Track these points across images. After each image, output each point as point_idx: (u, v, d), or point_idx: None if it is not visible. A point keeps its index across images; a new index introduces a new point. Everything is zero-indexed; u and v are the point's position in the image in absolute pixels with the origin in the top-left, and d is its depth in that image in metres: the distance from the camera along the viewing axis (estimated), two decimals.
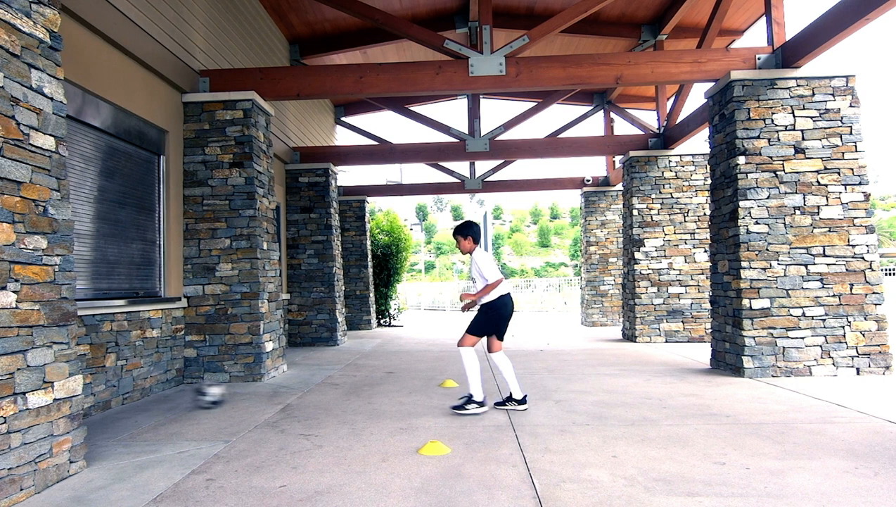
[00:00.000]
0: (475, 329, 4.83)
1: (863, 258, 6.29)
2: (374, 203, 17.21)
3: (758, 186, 6.43)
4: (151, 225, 6.20)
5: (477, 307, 4.96)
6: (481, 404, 4.76)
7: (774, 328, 6.26)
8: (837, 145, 6.40)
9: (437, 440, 3.87)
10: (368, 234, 14.06)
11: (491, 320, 4.84)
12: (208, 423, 4.63)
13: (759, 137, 6.48)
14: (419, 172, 32.55)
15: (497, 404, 5.01)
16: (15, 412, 3.00)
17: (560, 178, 14.29)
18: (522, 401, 4.89)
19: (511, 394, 4.92)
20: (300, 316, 10.81)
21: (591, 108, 13.09)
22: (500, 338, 4.93)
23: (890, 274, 36.27)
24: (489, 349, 4.95)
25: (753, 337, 6.26)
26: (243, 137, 6.81)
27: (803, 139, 6.44)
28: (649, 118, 12.91)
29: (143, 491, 3.11)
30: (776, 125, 6.47)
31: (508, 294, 4.90)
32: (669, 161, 10.04)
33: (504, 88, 7.09)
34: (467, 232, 4.96)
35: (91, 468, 3.50)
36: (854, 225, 6.33)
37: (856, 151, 6.39)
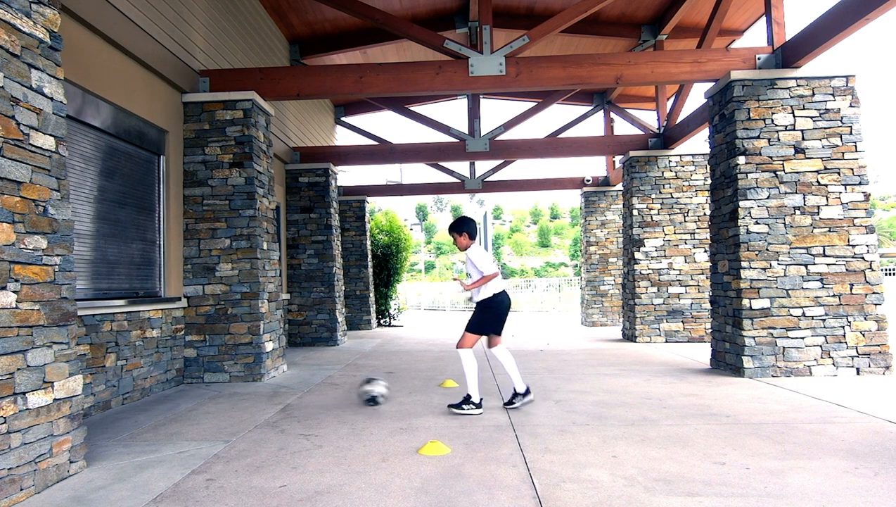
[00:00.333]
0: (473, 328, 4.84)
1: (863, 258, 6.29)
2: (374, 203, 17.22)
3: (758, 186, 6.43)
4: (151, 225, 6.20)
5: (474, 305, 4.96)
6: (478, 405, 4.77)
7: (774, 328, 6.26)
8: (837, 145, 6.40)
9: (437, 440, 3.87)
10: (368, 234, 14.06)
11: (489, 318, 4.85)
12: (208, 423, 4.63)
13: (759, 137, 6.48)
14: (419, 172, 32.56)
15: (506, 404, 4.99)
16: (15, 412, 3.00)
17: (560, 178, 14.29)
18: (526, 393, 4.91)
19: (515, 389, 4.94)
20: (300, 316, 10.81)
21: (591, 108, 13.09)
22: (499, 334, 4.94)
23: (890, 274, 36.30)
24: (489, 345, 4.96)
25: (753, 337, 6.26)
26: (243, 137, 6.81)
27: (803, 139, 6.44)
28: (649, 118, 12.92)
29: (143, 491, 3.11)
30: (776, 125, 6.47)
31: (504, 291, 4.91)
32: (669, 161, 10.04)
33: (504, 87, 7.09)
34: (463, 228, 4.95)
35: (91, 468, 3.50)
36: (854, 225, 6.33)
37: (856, 151, 6.39)
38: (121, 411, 5.10)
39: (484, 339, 4.97)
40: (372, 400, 5.12)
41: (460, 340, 4.85)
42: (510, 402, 4.96)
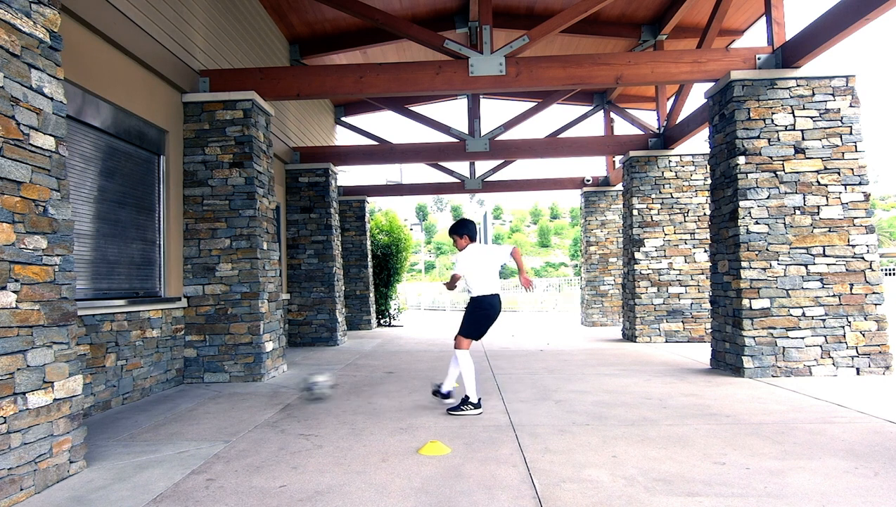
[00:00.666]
0: (466, 330, 4.90)
1: (863, 258, 6.29)
2: (374, 203, 17.22)
3: (758, 186, 6.43)
4: (151, 225, 6.20)
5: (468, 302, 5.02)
6: (477, 405, 4.78)
7: (774, 328, 6.26)
8: (837, 145, 6.40)
9: (437, 440, 3.87)
10: (368, 234, 14.06)
11: (478, 318, 4.90)
12: (208, 423, 4.63)
13: (759, 137, 6.48)
14: (419, 172, 32.49)
15: (434, 392, 5.25)
16: (15, 412, 3.00)
17: (560, 178, 14.29)
18: (447, 396, 5.07)
19: (441, 384, 5.16)
20: (300, 316, 10.81)
21: (591, 108, 13.09)
22: (478, 339, 5.00)
23: (890, 274, 36.28)
24: (456, 345, 4.96)
25: (753, 337, 6.26)
26: (243, 137, 6.81)
27: (803, 139, 6.44)
28: (649, 118, 12.92)
29: (143, 491, 3.11)
30: (776, 125, 6.47)
31: (497, 295, 4.94)
32: (669, 161, 10.04)
33: (504, 88, 7.09)
34: (462, 231, 5.02)
35: (91, 468, 3.50)
36: (854, 225, 6.33)
37: (856, 151, 6.39)
38: (121, 411, 5.10)
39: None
40: (313, 395, 5.36)
41: (456, 342, 4.92)
42: (437, 392, 5.19)
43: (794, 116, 6.46)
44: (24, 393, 3.06)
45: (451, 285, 4.92)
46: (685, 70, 6.93)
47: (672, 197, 10.00)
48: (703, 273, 9.85)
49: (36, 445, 3.12)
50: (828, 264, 6.30)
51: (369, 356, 8.85)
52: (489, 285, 4.90)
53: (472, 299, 4.96)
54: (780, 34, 6.61)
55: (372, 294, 13.94)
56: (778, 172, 6.43)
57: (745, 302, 6.31)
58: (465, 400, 4.79)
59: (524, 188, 14.49)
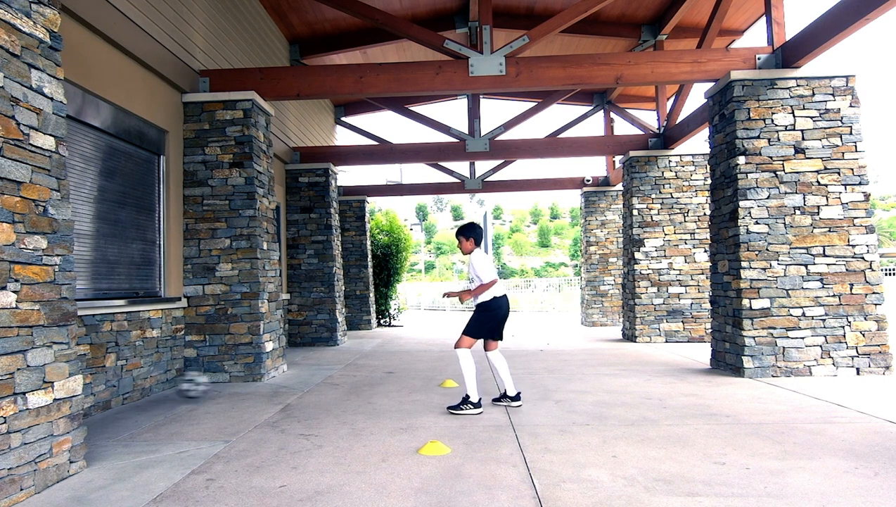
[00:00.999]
0: (471, 331, 4.90)
1: (863, 258, 6.29)
2: (374, 203, 17.22)
3: (758, 186, 6.43)
4: (151, 225, 6.20)
5: (474, 307, 5.02)
6: (477, 404, 4.80)
7: (774, 328, 6.26)
8: (837, 145, 6.41)
9: (437, 440, 3.87)
10: (368, 234, 14.06)
11: (486, 320, 4.91)
12: (208, 423, 4.63)
13: (759, 137, 6.48)
14: (419, 172, 32.52)
15: (494, 400, 5.18)
16: (15, 412, 3.00)
17: (560, 178, 14.29)
18: (516, 398, 5.02)
19: (506, 391, 5.06)
20: (300, 316, 10.81)
21: (591, 108, 13.09)
22: (498, 338, 5.02)
23: (890, 274, 36.29)
24: (486, 348, 5.06)
25: (753, 337, 6.26)
26: (243, 137, 6.81)
27: (803, 139, 6.44)
28: (649, 118, 12.92)
29: (143, 491, 3.11)
30: (776, 125, 6.47)
31: (504, 296, 4.98)
32: (669, 161, 10.04)
33: (504, 88, 7.10)
34: (470, 234, 5.06)
35: (91, 468, 3.50)
36: (854, 225, 6.33)
37: (856, 151, 6.39)
38: (121, 411, 5.10)
39: (480, 341, 5.05)
40: (189, 395, 5.46)
41: (458, 341, 4.91)
42: (498, 399, 5.14)
43: (794, 116, 6.46)
44: (24, 393, 3.06)
45: (473, 294, 4.89)
46: (685, 70, 6.93)
47: (672, 197, 10.00)
48: (703, 273, 9.85)
49: (36, 445, 3.12)
50: (828, 264, 6.30)
51: (369, 356, 8.85)
52: (500, 287, 4.94)
53: (483, 302, 4.93)
54: (780, 34, 6.61)
55: (372, 294, 13.94)
56: (778, 172, 6.43)
57: (745, 302, 6.31)
58: (466, 399, 4.81)
59: (524, 188, 14.49)
